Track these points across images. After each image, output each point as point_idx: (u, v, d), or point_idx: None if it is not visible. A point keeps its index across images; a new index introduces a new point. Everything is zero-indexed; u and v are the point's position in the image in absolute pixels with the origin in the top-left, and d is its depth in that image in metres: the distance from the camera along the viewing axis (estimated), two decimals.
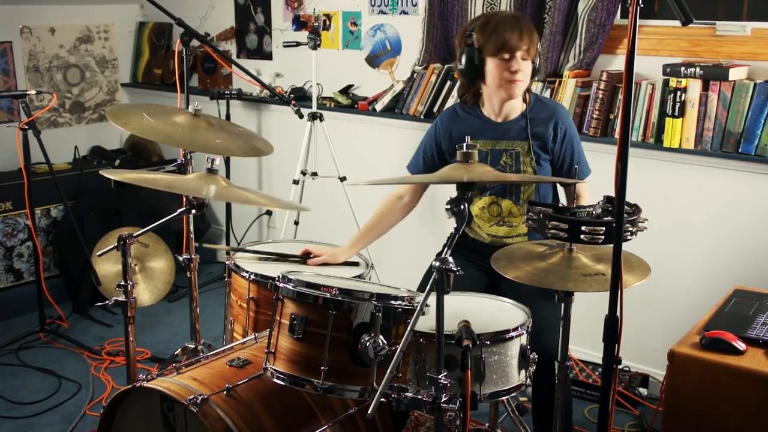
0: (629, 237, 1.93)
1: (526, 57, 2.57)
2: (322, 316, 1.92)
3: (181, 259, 2.78)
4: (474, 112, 2.71)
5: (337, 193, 3.96)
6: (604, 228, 1.91)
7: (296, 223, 4.17)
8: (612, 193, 1.86)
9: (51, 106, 4.71)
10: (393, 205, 2.82)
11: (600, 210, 2.02)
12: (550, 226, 1.96)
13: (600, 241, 1.93)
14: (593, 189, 2.68)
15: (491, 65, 2.56)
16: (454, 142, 2.66)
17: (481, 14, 2.69)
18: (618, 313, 1.76)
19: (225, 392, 2.01)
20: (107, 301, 2.41)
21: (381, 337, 1.88)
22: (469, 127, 2.67)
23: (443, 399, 1.80)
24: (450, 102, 3.66)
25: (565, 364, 2.11)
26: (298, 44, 4.02)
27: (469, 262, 2.64)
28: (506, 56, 2.55)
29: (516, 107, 2.66)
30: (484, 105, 2.69)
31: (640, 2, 1.61)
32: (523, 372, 2.17)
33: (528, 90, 2.67)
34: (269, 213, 4.71)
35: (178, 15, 3.25)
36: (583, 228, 1.92)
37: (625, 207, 1.81)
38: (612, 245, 1.75)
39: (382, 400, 1.77)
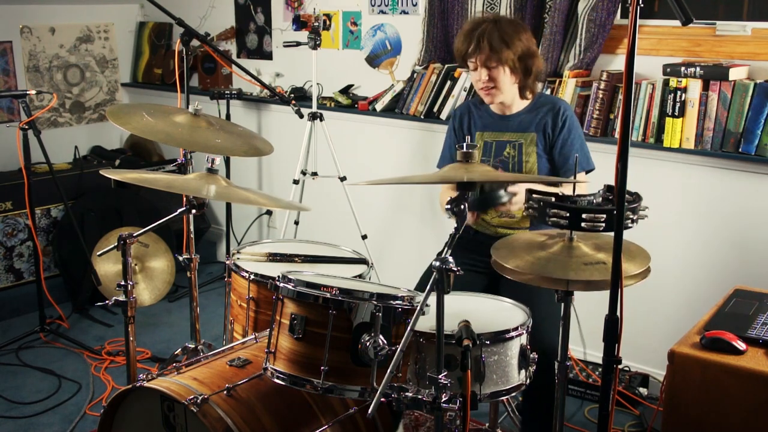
0: (630, 225, 1.93)
1: (495, 65, 2.61)
2: (322, 316, 1.91)
3: (181, 259, 2.78)
4: (483, 107, 2.82)
5: (337, 193, 3.96)
6: (604, 216, 1.91)
7: (296, 223, 4.17)
8: None
9: (51, 106, 4.71)
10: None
11: (600, 198, 2.02)
12: (551, 214, 1.96)
13: (600, 229, 1.93)
14: (593, 188, 2.68)
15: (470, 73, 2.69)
16: (465, 134, 2.81)
17: None
18: (618, 313, 1.76)
19: (225, 392, 2.01)
20: (107, 301, 2.41)
21: (381, 337, 1.88)
22: (478, 120, 2.82)
23: (443, 399, 1.80)
24: (450, 102, 3.67)
25: (565, 364, 2.11)
26: (298, 44, 4.02)
27: (467, 264, 2.64)
28: (470, 67, 2.65)
29: (517, 103, 2.75)
30: None
31: (640, 2, 1.61)
32: (523, 372, 2.17)
33: (531, 90, 2.74)
34: (269, 213, 4.72)
35: (178, 15, 3.25)
36: (583, 216, 1.92)
37: (626, 195, 1.81)
38: (613, 233, 1.75)
39: (382, 400, 1.77)
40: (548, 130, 2.72)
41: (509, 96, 2.72)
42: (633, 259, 2.03)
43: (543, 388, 2.35)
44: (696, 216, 3.15)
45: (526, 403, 2.57)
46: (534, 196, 2.03)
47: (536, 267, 2.00)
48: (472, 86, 3.59)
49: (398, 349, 1.75)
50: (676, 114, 3.03)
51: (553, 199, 2.00)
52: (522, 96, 2.76)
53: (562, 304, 2.06)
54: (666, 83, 3.05)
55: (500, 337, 2.10)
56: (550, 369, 2.27)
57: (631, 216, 1.93)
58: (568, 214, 1.94)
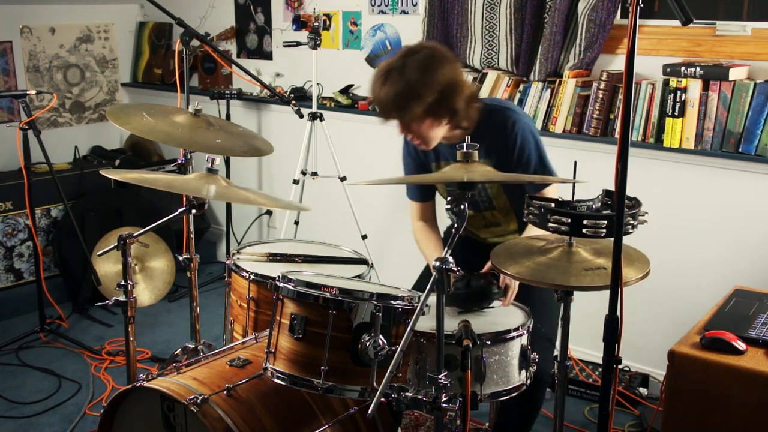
0: (630, 231, 1.93)
1: (409, 121, 2.29)
2: (322, 316, 1.91)
3: (181, 259, 2.78)
4: None
5: (337, 193, 3.96)
6: (606, 221, 1.91)
7: (296, 223, 4.17)
8: None
9: (51, 106, 4.71)
10: (425, 231, 2.74)
11: (599, 204, 2.02)
12: (552, 220, 1.96)
13: (602, 235, 1.93)
14: (594, 189, 2.68)
15: None
16: (420, 161, 2.62)
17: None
18: (618, 313, 1.76)
19: (225, 392, 2.01)
20: (107, 301, 2.41)
21: (381, 337, 1.88)
22: (431, 149, 2.53)
23: (443, 399, 1.80)
24: None
25: (565, 364, 2.11)
26: (298, 44, 4.02)
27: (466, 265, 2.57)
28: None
29: (458, 133, 2.43)
30: None
31: (640, 2, 1.61)
32: (523, 372, 2.17)
33: (466, 118, 2.39)
34: (269, 213, 4.72)
35: (178, 15, 3.25)
36: (585, 222, 1.92)
37: (626, 201, 1.81)
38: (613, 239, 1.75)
39: (382, 400, 1.77)
40: (501, 154, 2.42)
41: (445, 134, 2.40)
42: (632, 264, 2.03)
43: (524, 405, 2.34)
44: (696, 216, 3.15)
45: (503, 413, 2.54)
46: (534, 201, 2.03)
47: (537, 273, 1.99)
48: None
49: (398, 349, 1.75)
50: (676, 114, 3.03)
51: (553, 204, 2.00)
52: (458, 128, 2.40)
53: (562, 304, 2.07)
54: (666, 83, 3.05)
55: (501, 337, 2.10)
56: (535, 387, 2.27)
57: (631, 221, 1.93)
58: (569, 221, 1.94)
